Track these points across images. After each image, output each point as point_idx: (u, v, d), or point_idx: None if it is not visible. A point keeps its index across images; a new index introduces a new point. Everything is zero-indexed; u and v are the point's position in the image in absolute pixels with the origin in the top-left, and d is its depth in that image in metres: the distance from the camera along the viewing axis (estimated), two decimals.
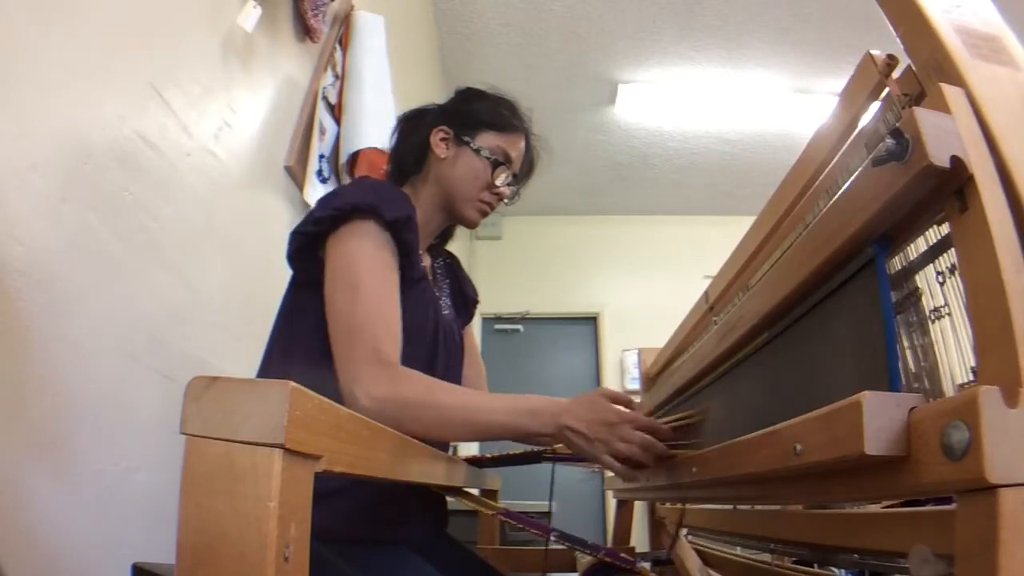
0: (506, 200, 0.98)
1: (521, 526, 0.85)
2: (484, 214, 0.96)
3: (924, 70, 0.48)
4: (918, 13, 0.48)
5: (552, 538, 0.86)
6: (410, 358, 0.77)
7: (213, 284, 1.13)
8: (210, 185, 1.11)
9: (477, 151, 0.93)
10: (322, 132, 1.53)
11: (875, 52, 0.55)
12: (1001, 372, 0.35)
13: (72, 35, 0.78)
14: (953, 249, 0.43)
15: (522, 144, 0.98)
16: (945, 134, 0.40)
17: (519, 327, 4.81)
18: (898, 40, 0.51)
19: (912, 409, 0.37)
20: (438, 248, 1.07)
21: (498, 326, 4.81)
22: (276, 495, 0.31)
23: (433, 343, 0.92)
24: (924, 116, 0.40)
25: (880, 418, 0.36)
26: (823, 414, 0.41)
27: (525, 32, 3.21)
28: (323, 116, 1.54)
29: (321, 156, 1.53)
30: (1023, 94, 0.45)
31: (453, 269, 1.08)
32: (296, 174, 1.43)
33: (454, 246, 1.12)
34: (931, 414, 0.35)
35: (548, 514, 1.09)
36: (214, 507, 0.31)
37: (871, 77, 0.55)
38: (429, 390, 0.73)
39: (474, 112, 0.95)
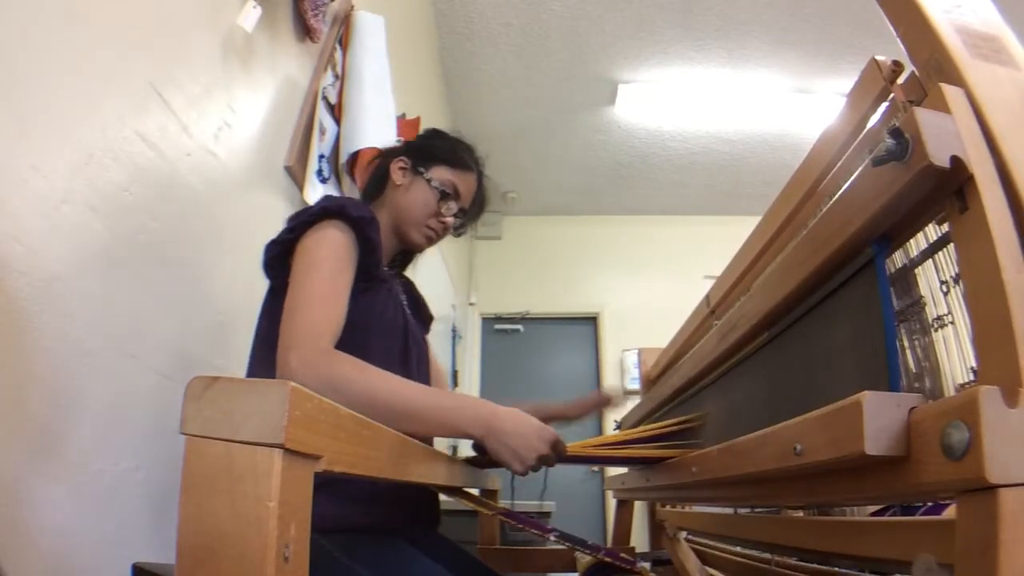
0: (452, 231, 1.06)
1: (521, 526, 0.85)
2: (431, 240, 1.04)
3: (924, 70, 0.48)
4: (918, 13, 0.48)
5: (552, 538, 0.86)
6: (385, 352, 0.79)
7: (213, 284, 1.13)
8: (210, 185, 1.11)
9: (428, 181, 1.01)
10: (322, 132, 1.53)
11: (880, 58, 0.55)
12: (1001, 372, 0.35)
13: (72, 35, 0.78)
14: (954, 254, 0.43)
15: (473, 182, 1.06)
16: (945, 134, 0.40)
17: (519, 327, 4.80)
18: (898, 40, 0.51)
19: (912, 409, 0.37)
20: (397, 274, 1.12)
21: (498, 326, 4.81)
22: (276, 495, 0.31)
23: (404, 338, 0.96)
24: (924, 116, 0.40)
25: (880, 418, 0.36)
26: (823, 414, 0.41)
27: (525, 32, 3.21)
28: (323, 116, 1.54)
29: (321, 156, 1.53)
30: (1023, 94, 0.45)
31: (410, 288, 1.14)
32: (296, 174, 1.43)
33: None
34: (931, 414, 0.35)
35: (547, 514, 1.09)
36: (214, 507, 0.31)
37: (876, 82, 0.55)
38: (362, 370, 0.74)
39: (432, 147, 1.05)
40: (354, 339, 0.79)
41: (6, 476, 0.68)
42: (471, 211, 1.08)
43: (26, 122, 0.71)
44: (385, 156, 1.09)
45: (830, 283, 0.55)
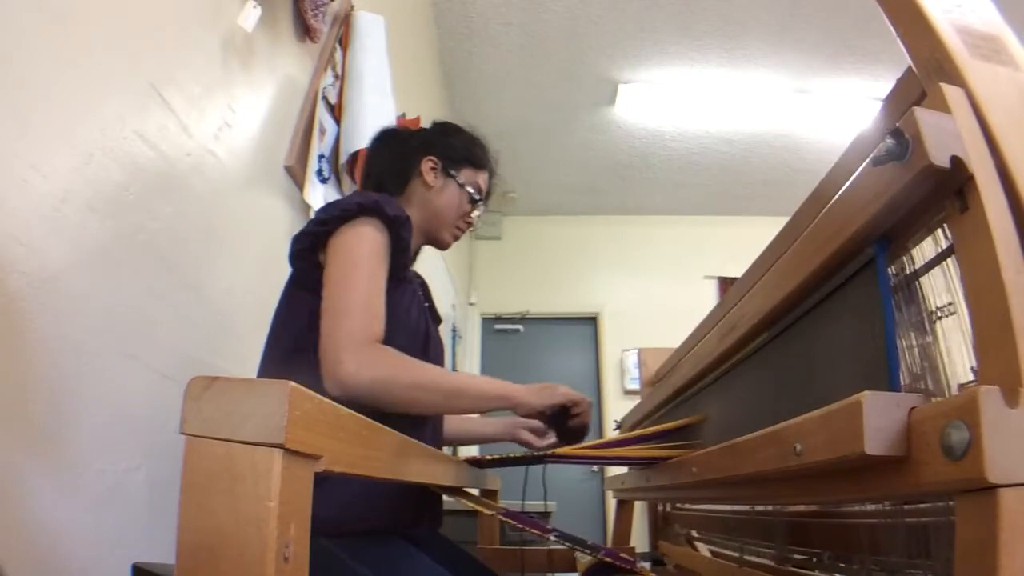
0: (472, 228, 1.11)
1: (521, 526, 0.85)
2: (456, 239, 1.08)
3: (924, 70, 0.48)
4: (918, 13, 0.48)
5: (552, 538, 0.86)
6: (407, 352, 0.80)
7: (213, 284, 1.13)
8: (210, 185, 1.11)
9: (461, 185, 1.04)
10: (322, 132, 1.53)
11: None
12: (1001, 372, 0.35)
13: (72, 35, 0.78)
14: (953, 248, 0.43)
15: (488, 179, 1.10)
16: (945, 134, 0.40)
17: (519, 327, 4.81)
18: (898, 40, 0.51)
19: (912, 409, 0.37)
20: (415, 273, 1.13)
21: (498, 326, 4.81)
22: (276, 495, 0.31)
23: (425, 340, 0.97)
24: (924, 116, 0.40)
25: (880, 418, 0.36)
26: (823, 414, 0.41)
27: (525, 32, 3.21)
28: (323, 116, 1.54)
29: (321, 156, 1.53)
30: (1023, 94, 0.45)
31: (425, 288, 1.15)
32: (296, 174, 1.43)
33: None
34: (931, 414, 0.35)
35: (547, 514, 1.09)
36: (214, 507, 0.31)
37: (914, 87, 0.54)
38: (406, 362, 0.80)
39: (458, 148, 1.06)
40: None
41: (6, 476, 0.68)
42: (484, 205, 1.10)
43: (26, 122, 0.71)
44: (405, 144, 1.07)
45: (830, 283, 0.55)
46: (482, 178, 1.06)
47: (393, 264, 0.87)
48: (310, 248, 0.86)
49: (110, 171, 0.85)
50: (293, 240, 0.88)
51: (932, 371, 0.47)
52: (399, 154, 1.06)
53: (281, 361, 0.85)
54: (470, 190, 1.04)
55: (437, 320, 1.16)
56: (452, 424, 1.18)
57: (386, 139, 1.11)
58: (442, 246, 1.08)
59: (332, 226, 0.84)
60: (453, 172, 1.03)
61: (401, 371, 0.77)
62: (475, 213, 1.06)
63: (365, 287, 0.80)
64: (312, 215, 0.93)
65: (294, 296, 0.89)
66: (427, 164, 1.03)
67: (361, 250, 0.82)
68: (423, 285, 1.13)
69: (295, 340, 0.85)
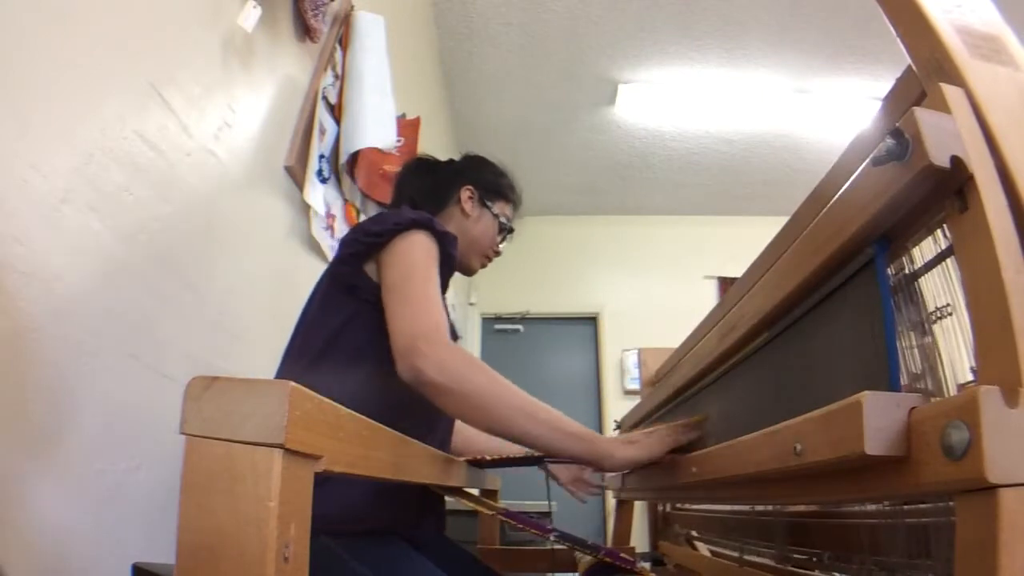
0: (497, 257, 1.16)
1: (521, 526, 0.85)
2: (483, 267, 1.14)
3: (924, 70, 0.48)
4: (918, 13, 0.48)
5: (552, 538, 0.86)
6: None
7: (213, 284, 1.13)
8: (210, 185, 1.11)
9: (496, 216, 1.10)
10: (322, 132, 1.53)
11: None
12: (1001, 372, 0.35)
13: (72, 35, 0.78)
14: (953, 248, 0.43)
15: (514, 212, 1.16)
16: (945, 134, 0.40)
17: (519, 327, 4.80)
18: (898, 40, 0.51)
19: (912, 409, 0.37)
20: None
21: (498, 326, 4.81)
22: (276, 495, 0.31)
23: None
24: (924, 116, 0.40)
25: (880, 418, 0.36)
26: (823, 414, 0.41)
27: (525, 32, 3.21)
28: (323, 116, 1.54)
29: (321, 156, 1.53)
30: (1023, 94, 0.45)
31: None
32: (296, 174, 1.43)
33: None
34: (931, 414, 0.35)
35: (548, 514, 1.09)
36: (214, 507, 0.31)
37: (914, 87, 0.54)
38: (484, 366, 0.77)
39: (494, 182, 1.12)
40: None
41: (6, 476, 0.68)
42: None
43: (26, 122, 0.71)
44: (442, 171, 1.13)
45: (830, 283, 0.55)
46: (511, 211, 1.13)
47: (440, 278, 0.89)
48: (360, 255, 0.87)
49: (110, 171, 0.85)
50: (344, 243, 0.89)
51: (932, 371, 0.47)
52: (434, 180, 1.12)
53: (310, 361, 0.86)
54: (503, 220, 1.10)
55: None
56: (479, 442, 1.21)
57: (419, 165, 1.17)
58: (469, 272, 1.12)
59: (386, 238, 0.85)
60: (489, 203, 1.09)
61: (478, 369, 0.76)
62: (503, 244, 1.13)
63: (426, 288, 0.82)
64: (356, 222, 0.95)
65: (331, 297, 0.90)
66: (466, 193, 1.09)
67: (418, 256, 0.85)
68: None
69: (327, 340, 0.86)
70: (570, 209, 4.97)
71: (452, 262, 0.92)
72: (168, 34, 0.98)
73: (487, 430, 0.76)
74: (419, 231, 0.87)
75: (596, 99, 3.70)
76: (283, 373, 0.89)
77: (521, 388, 0.77)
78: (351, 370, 0.83)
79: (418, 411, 0.82)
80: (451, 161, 1.18)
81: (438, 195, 1.10)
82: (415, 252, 0.85)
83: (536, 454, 0.96)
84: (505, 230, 1.12)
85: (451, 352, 0.75)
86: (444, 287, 0.92)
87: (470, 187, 1.10)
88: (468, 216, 1.08)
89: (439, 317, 0.79)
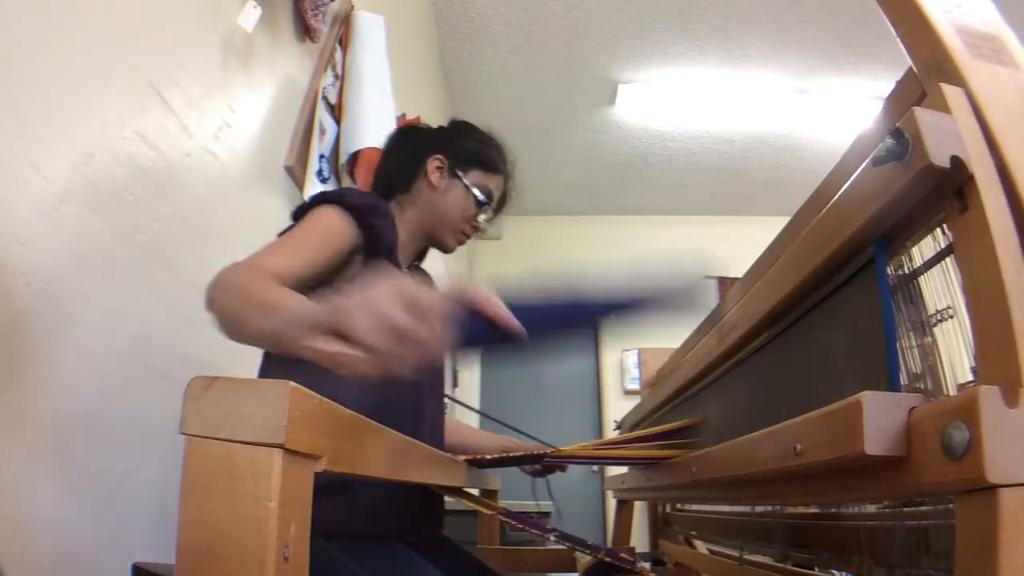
0: (478, 233, 1.04)
1: (521, 526, 0.85)
2: (461, 243, 1.03)
3: (924, 70, 0.48)
4: (918, 13, 0.48)
5: (552, 538, 0.86)
6: None
7: None
8: (210, 185, 1.11)
9: (467, 187, 0.98)
10: (322, 132, 1.53)
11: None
12: (1001, 372, 0.35)
13: (72, 35, 0.78)
14: (952, 248, 0.43)
15: (502, 184, 1.04)
16: (945, 134, 0.40)
17: None
18: (898, 40, 0.51)
19: (912, 409, 0.37)
20: (416, 267, 1.11)
21: None
22: (276, 495, 0.31)
23: None
24: (924, 116, 0.40)
25: (880, 418, 0.36)
26: (823, 414, 0.41)
27: (525, 32, 3.21)
28: (323, 116, 1.54)
29: (321, 156, 1.53)
30: (1023, 94, 0.45)
31: (429, 284, 1.12)
32: (296, 174, 1.43)
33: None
34: (931, 414, 0.35)
35: (548, 514, 1.09)
36: (214, 507, 0.31)
37: (914, 87, 0.54)
38: (259, 275, 0.66)
39: (469, 149, 1.01)
40: None
41: (7, 476, 0.68)
42: (495, 211, 1.06)
43: (26, 122, 0.71)
44: (417, 143, 1.02)
45: (830, 283, 0.55)
46: (493, 182, 1.01)
47: (372, 252, 0.85)
48: None
49: (110, 171, 0.85)
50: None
51: (932, 371, 0.47)
52: (409, 152, 1.02)
53: (278, 360, 0.85)
54: (477, 193, 0.98)
55: None
56: (478, 442, 1.20)
57: (402, 137, 1.08)
58: (445, 249, 1.04)
59: (297, 219, 0.84)
60: (460, 173, 0.98)
61: (241, 275, 0.65)
62: (482, 217, 1.00)
63: (282, 243, 0.77)
64: None
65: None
66: (433, 163, 0.99)
67: (308, 225, 0.80)
68: (426, 281, 1.12)
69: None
70: (570, 209, 4.97)
71: (374, 232, 0.84)
72: (168, 34, 0.98)
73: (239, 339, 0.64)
74: (325, 205, 0.83)
75: (596, 99, 3.70)
76: (262, 370, 0.90)
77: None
78: (313, 368, 0.76)
79: (399, 413, 0.81)
80: (433, 129, 1.08)
81: (410, 169, 1.01)
82: (306, 223, 0.81)
83: (537, 452, 0.96)
84: (481, 202, 0.99)
85: (233, 266, 0.66)
86: (389, 260, 0.86)
87: (439, 156, 0.99)
88: (435, 188, 0.98)
89: (266, 259, 0.71)
